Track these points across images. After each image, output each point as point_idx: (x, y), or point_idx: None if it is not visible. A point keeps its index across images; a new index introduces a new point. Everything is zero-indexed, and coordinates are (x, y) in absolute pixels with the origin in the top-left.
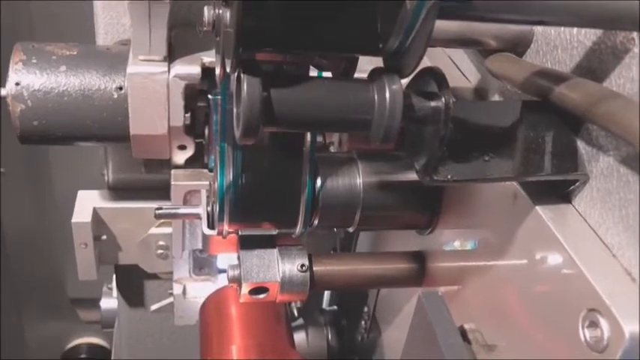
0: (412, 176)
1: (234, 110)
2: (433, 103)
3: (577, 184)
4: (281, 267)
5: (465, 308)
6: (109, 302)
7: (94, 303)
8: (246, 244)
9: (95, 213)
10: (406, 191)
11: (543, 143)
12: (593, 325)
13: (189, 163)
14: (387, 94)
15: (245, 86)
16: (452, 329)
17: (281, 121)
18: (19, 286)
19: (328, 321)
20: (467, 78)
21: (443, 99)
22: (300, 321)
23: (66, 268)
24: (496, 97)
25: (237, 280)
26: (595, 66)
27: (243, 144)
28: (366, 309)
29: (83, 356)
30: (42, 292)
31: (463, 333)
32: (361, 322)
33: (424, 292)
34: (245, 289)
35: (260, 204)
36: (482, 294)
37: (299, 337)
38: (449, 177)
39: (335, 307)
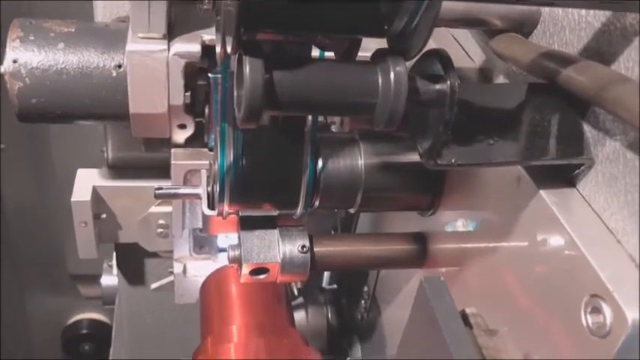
0: (415, 157)
1: (235, 92)
2: (438, 86)
3: (582, 168)
4: (281, 248)
5: (466, 292)
6: (110, 279)
7: (94, 279)
8: (247, 224)
9: (95, 192)
10: (408, 172)
11: (549, 127)
12: (596, 310)
13: (190, 142)
14: (392, 77)
15: (247, 69)
16: (454, 314)
17: (284, 105)
18: (20, 262)
19: (328, 300)
20: (471, 58)
21: (448, 82)
22: (300, 300)
23: (66, 245)
24: (501, 79)
25: (237, 261)
26: (604, 48)
27: (244, 128)
28: (366, 288)
29: (84, 331)
30: (43, 268)
31: (464, 317)
32: (361, 302)
33: (426, 276)
34: (245, 269)
35: (261, 185)
36: (483, 277)
37: (299, 315)
38: (453, 161)
39: (335, 286)
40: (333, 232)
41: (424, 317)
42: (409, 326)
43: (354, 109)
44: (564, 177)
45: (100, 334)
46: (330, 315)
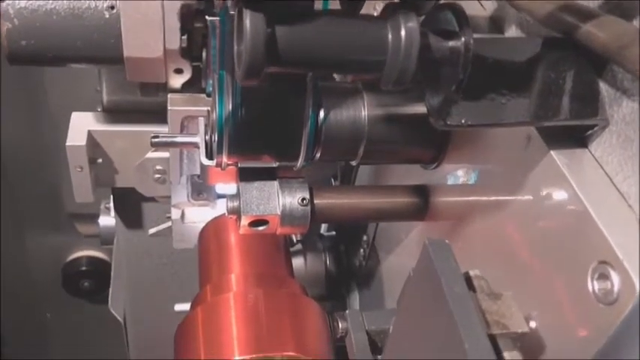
0: (420, 109)
1: (235, 47)
2: (452, 43)
3: (595, 128)
4: (281, 200)
5: (469, 252)
6: (107, 220)
7: (92, 218)
8: (246, 175)
9: (90, 136)
10: (413, 125)
11: (564, 85)
12: (603, 277)
13: (187, 87)
14: (403, 34)
15: (248, 23)
16: (458, 278)
17: (286, 62)
18: (18, 200)
19: (326, 247)
20: (481, 5)
21: (463, 39)
22: (299, 246)
23: (64, 184)
24: (513, 29)
25: (236, 212)
26: (626, 3)
27: (245, 85)
28: (365, 238)
29: (83, 268)
30: (41, 207)
31: (468, 280)
32: (360, 250)
33: (430, 239)
34: (244, 221)
35: (260, 136)
36: (487, 238)
37: (297, 262)
38: (463, 122)
39: (333, 233)
40: (333, 181)
41: (426, 280)
42: (410, 288)
43: (361, 67)
44: (576, 137)
45: (100, 271)
46: (328, 262)
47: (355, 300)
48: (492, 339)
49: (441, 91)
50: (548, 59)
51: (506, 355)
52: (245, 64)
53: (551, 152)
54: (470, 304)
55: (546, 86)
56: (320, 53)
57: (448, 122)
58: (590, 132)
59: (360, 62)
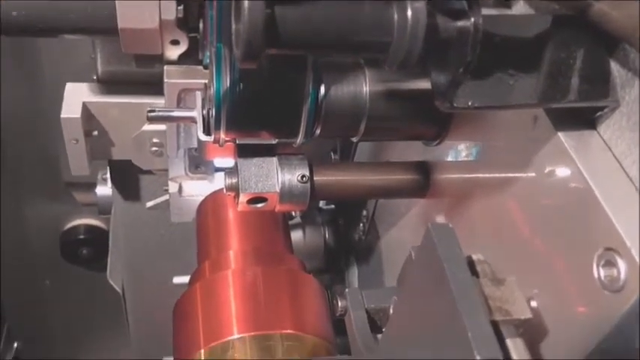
0: (423, 85)
1: (233, 26)
2: (460, 24)
3: (605, 110)
4: (280, 177)
5: (471, 231)
6: (105, 189)
7: (89, 187)
8: (244, 151)
9: (85, 108)
10: (416, 101)
11: (574, 65)
12: (610, 264)
13: (183, 58)
14: (409, 14)
15: (246, 3)
16: (461, 264)
17: (286, 43)
18: (14, 168)
19: (325, 220)
20: None
21: (472, 19)
22: (298, 219)
23: (60, 153)
24: (521, 5)
25: (234, 189)
26: None
27: (244, 68)
28: (364, 212)
29: (81, 237)
30: (38, 175)
31: (471, 264)
32: (359, 224)
33: (433, 223)
34: (243, 198)
35: (259, 112)
36: (490, 220)
37: (296, 235)
38: (469, 103)
39: (332, 207)
40: (332, 155)
41: (429, 265)
42: (411, 271)
43: (365, 49)
44: (585, 118)
45: (98, 239)
46: (327, 235)
47: (354, 274)
48: (495, 325)
49: (447, 72)
50: (558, 38)
51: (508, 341)
52: (243, 47)
53: (559, 134)
54: (473, 291)
55: (556, 66)
56: (322, 34)
57: (454, 104)
58: (599, 113)
59: (365, 43)
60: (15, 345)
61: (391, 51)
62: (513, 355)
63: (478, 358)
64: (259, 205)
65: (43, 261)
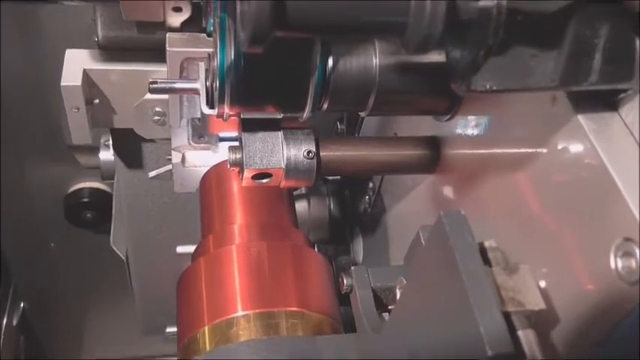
0: (435, 57)
1: (238, 7)
2: (482, 4)
3: (628, 92)
4: (286, 152)
5: (482, 213)
6: (108, 155)
7: (92, 150)
8: (249, 125)
9: (86, 75)
10: (427, 74)
11: (598, 45)
12: (628, 255)
13: (186, 26)
14: None
15: None
16: (474, 254)
17: (295, 25)
18: (16, 131)
19: (331, 191)
20: None
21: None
22: (303, 190)
23: (62, 116)
24: None
25: (238, 165)
26: None
27: (250, 51)
28: (371, 185)
29: (85, 200)
30: (40, 138)
31: (483, 251)
32: (365, 197)
33: (445, 212)
34: (247, 174)
35: (265, 86)
36: (503, 204)
37: (301, 206)
38: (488, 86)
39: (338, 177)
40: (338, 125)
41: (440, 254)
42: (421, 257)
43: (379, 30)
44: (606, 100)
45: (102, 202)
46: (332, 206)
47: (359, 245)
48: (507, 316)
49: (466, 55)
50: (584, 15)
51: (520, 333)
52: (249, 30)
53: (578, 116)
54: (486, 283)
55: (579, 46)
56: (333, 16)
57: (472, 87)
58: (621, 95)
59: (379, 25)
60: (22, 305)
61: (407, 34)
62: (524, 347)
63: (490, 353)
64: (264, 181)
65: (48, 224)
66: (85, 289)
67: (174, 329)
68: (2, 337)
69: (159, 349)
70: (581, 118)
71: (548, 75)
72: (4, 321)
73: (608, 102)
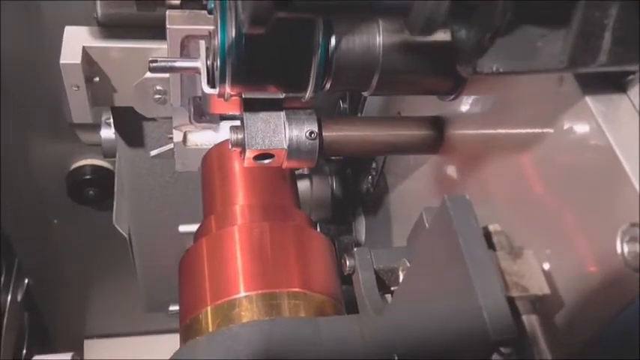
0: (440, 36)
1: None
2: None
3: (637, 73)
4: (288, 133)
5: (485, 193)
6: (109, 133)
7: (93, 127)
8: (251, 105)
9: (85, 53)
10: (432, 53)
11: (608, 25)
12: (634, 240)
13: (186, 3)
14: None
15: None
16: (478, 239)
17: (298, 6)
18: (18, 108)
19: (333, 170)
20: None
21: None
22: (305, 169)
23: (62, 93)
24: None
25: (240, 145)
26: None
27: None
28: (374, 165)
29: (87, 177)
30: (42, 115)
31: (487, 235)
32: (368, 176)
33: (449, 195)
34: (249, 154)
35: (266, 66)
36: (507, 186)
37: (303, 185)
38: (494, 68)
39: (341, 157)
40: (341, 103)
41: (444, 239)
42: (424, 240)
43: (381, 12)
44: (614, 81)
45: (104, 179)
46: (335, 185)
47: (361, 224)
48: (511, 301)
49: (472, 36)
50: None
51: (524, 318)
52: (249, 12)
53: (586, 98)
54: (490, 268)
55: (588, 26)
56: None
57: (478, 69)
58: (630, 77)
59: (382, 6)
60: (26, 281)
61: (412, 14)
62: (528, 332)
63: (493, 338)
64: (266, 162)
65: (51, 201)
66: (89, 266)
67: (177, 307)
68: (7, 313)
69: (162, 325)
70: (588, 100)
71: (557, 56)
72: (9, 297)
73: (616, 83)
